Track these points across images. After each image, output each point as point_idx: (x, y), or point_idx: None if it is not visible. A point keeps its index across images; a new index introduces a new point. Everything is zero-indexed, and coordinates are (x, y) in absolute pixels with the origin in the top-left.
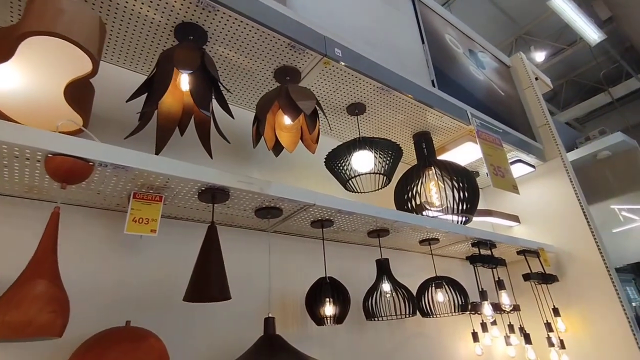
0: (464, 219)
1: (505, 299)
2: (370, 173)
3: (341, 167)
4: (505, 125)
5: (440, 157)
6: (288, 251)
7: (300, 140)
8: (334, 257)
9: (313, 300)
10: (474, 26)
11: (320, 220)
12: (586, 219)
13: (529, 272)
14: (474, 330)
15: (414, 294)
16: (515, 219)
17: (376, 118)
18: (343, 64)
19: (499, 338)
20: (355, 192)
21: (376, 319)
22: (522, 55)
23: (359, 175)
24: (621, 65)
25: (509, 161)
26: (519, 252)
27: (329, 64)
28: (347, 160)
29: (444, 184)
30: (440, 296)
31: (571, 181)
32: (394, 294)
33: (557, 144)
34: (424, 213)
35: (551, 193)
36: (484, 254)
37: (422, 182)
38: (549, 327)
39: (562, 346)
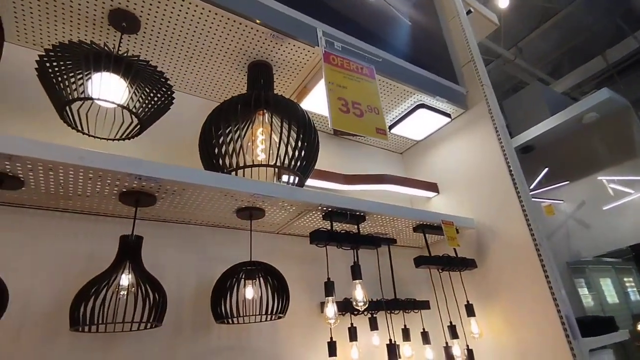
0: (295, 179)
1: (358, 294)
2: (121, 106)
3: (64, 79)
4: (405, 61)
5: (302, 103)
6: None
7: None
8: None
9: None
10: None
11: None
12: (513, 183)
13: (424, 255)
14: (331, 338)
15: (166, 295)
16: (433, 187)
17: (158, 42)
18: None
19: (379, 350)
20: (74, 129)
21: (88, 327)
22: None
23: (90, 99)
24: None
25: (409, 108)
26: (416, 229)
27: None
28: (83, 76)
29: (280, 135)
30: (249, 291)
31: (497, 132)
32: (132, 290)
33: (483, 83)
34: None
35: (475, 151)
36: (338, 230)
37: (245, 127)
38: (453, 331)
39: (471, 358)
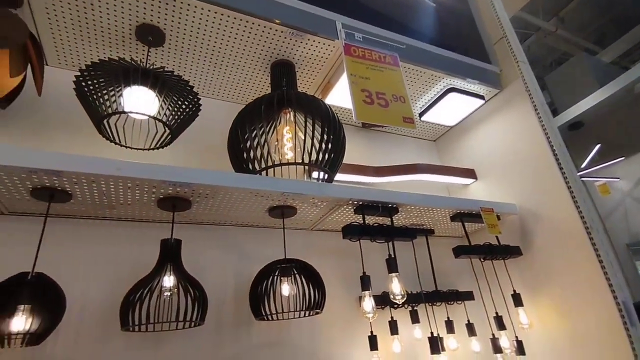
0: (324, 175)
1: (395, 287)
2: (152, 117)
3: (99, 96)
4: (431, 45)
5: (327, 98)
6: None
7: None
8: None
9: None
10: None
11: (47, 189)
12: (557, 163)
13: (464, 244)
14: (371, 332)
15: (206, 295)
16: (470, 174)
17: (184, 51)
18: None
19: (422, 343)
20: (112, 142)
21: (138, 327)
22: None
23: (123, 112)
24: None
25: (439, 93)
26: (454, 218)
27: None
28: (115, 92)
29: (305, 132)
30: (285, 288)
31: (536, 110)
32: (175, 291)
33: (517, 60)
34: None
35: (513, 132)
36: (372, 224)
37: (271, 127)
38: (499, 322)
39: (521, 351)
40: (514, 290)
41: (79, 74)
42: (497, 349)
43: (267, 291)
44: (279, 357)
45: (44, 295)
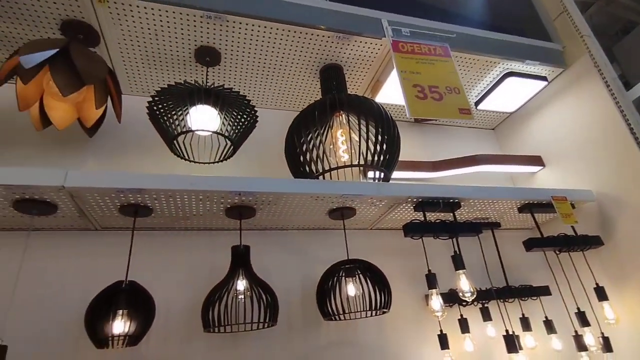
0: (381, 174)
1: (463, 284)
2: (215, 133)
3: (168, 119)
4: (483, 30)
5: (378, 97)
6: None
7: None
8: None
9: (97, 314)
10: None
11: (132, 205)
12: (636, 141)
13: (535, 236)
14: (441, 330)
15: (276, 297)
16: (537, 161)
17: (238, 67)
18: None
19: (495, 342)
20: (183, 159)
21: (218, 329)
22: None
23: (191, 131)
24: None
25: (495, 79)
26: (522, 209)
27: (104, 2)
28: (182, 112)
29: (359, 133)
30: (351, 289)
31: (607, 86)
32: (247, 294)
33: (582, 34)
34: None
35: (583, 113)
36: (433, 220)
37: (325, 131)
38: (582, 318)
39: (608, 348)
40: (597, 284)
41: (150, 99)
42: (581, 346)
43: (333, 292)
44: (349, 356)
45: (137, 301)
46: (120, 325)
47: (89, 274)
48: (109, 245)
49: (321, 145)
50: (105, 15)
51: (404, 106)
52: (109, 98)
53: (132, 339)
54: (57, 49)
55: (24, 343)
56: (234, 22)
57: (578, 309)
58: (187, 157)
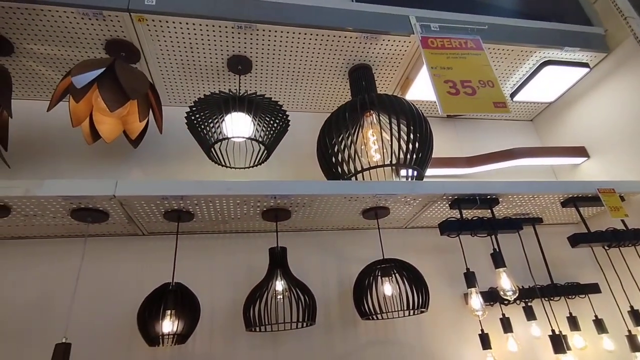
0: (414, 173)
1: (504, 283)
2: (249, 139)
3: (205, 127)
4: (516, 19)
5: (408, 94)
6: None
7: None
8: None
9: (148, 314)
10: None
11: (175, 211)
12: None
13: (581, 232)
14: (482, 330)
15: (314, 297)
16: (580, 152)
17: (269, 73)
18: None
19: (541, 342)
20: (221, 165)
21: (259, 328)
22: None
23: (226, 138)
24: None
25: (532, 69)
26: (565, 203)
27: (143, 20)
28: (218, 120)
29: (390, 132)
30: (388, 288)
31: None
32: (286, 294)
33: (625, 16)
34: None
35: (630, 98)
36: (470, 217)
37: (356, 132)
38: (636, 316)
39: None
40: None
41: (187, 109)
42: (635, 347)
43: (370, 291)
44: (388, 355)
45: (184, 302)
46: (169, 325)
47: (138, 277)
48: (155, 249)
49: (352, 145)
50: (145, 33)
51: (435, 102)
52: (150, 110)
53: (180, 338)
54: (104, 68)
55: (83, 342)
56: (264, 30)
57: (631, 307)
58: (224, 163)
